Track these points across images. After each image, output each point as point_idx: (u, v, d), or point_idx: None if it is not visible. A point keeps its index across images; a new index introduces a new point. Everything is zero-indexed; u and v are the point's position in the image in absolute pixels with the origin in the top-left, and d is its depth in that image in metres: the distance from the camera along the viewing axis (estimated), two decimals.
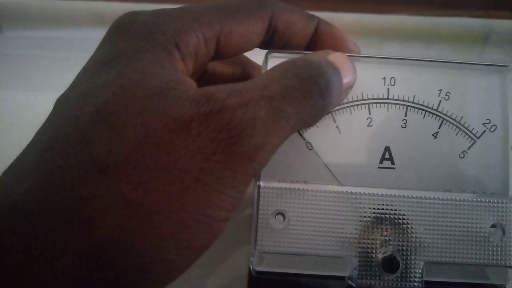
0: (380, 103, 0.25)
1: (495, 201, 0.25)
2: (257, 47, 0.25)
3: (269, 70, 0.22)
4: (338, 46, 0.25)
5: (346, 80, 0.23)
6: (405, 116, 0.25)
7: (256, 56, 0.27)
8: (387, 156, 0.25)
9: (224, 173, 0.19)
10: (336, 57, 0.23)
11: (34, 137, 0.20)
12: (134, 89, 0.19)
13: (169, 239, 0.19)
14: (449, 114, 0.25)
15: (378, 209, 0.25)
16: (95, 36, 0.22)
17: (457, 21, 0.48)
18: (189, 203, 0.19)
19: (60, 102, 0.21)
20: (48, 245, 0.18)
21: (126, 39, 0.21)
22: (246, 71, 0.29)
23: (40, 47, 0.47)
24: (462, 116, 0.25)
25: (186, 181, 0.19)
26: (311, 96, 0.21)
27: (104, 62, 0.21)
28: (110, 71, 0.20)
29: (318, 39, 0.25)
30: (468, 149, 0.25)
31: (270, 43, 0.25)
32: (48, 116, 0.21)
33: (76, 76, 0.21)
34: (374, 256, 0.24)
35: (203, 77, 0.27)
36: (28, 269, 0.17)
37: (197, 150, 0.19)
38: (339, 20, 0.47)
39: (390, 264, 0.24)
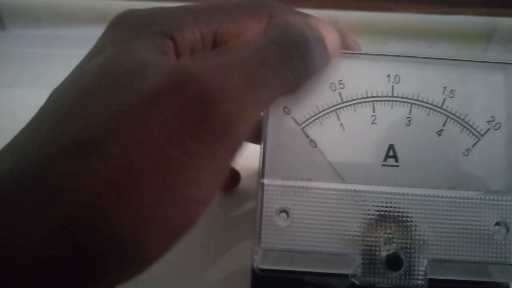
0: (385, 100, 0.25)
1: (499, 199, 0.25)
2: None
3: (246, 36, 0.22)
4: None
5: (329, 44, 0.23)
6: (410, 113, 0.25)
7: None
8: (391, 153, 0.25)
9: (198, 148, 0.18)
10: (317, 21, 0.23)
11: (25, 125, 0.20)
12: (111, 69, 0.19)
13: (141, 217, 0.18)
14: (453, 111, 0.25)
15: (382, 206, 0.25)
16: (99, 34, 0.23)
17: (460, 19, 0.48)
18: (161, 180, 0.18)
19: (53, 91, 0.21)
20: (25, 222, 0.17)
21: (120, 31, 0.21)
22: None
23: (44, 45, 0.47)
24: (467, 114, 0.25)
25: (157, 157, 0.18)
26: (291, 60, 0.21)
27: (94, 52, 0.21)
28: (97, 58, 0.20)
29: None
30: (473, 147, 0.25)
31: None
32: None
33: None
34: (377, 253, 0.24)
35: None
36: (4, 247, 0.17)
37: (168, 123, 0.18)
38: (342, 18, 0.47)
39: (394, 261, 0.24)
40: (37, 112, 0.20)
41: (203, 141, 0.18)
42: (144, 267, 0.20)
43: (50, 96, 0.21)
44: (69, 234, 0.17)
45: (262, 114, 0.22)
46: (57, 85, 0.21)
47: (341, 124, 0.25)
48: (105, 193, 0.17)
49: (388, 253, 0.24)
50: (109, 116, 0.18)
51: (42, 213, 0.17)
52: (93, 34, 0.22)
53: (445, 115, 0.25)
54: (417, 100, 0.25)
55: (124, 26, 0.22)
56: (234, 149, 0.19)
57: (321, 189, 0.25)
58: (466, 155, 0.25)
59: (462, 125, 0.25)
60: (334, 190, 0.25)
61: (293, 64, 0.21)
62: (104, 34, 0.22)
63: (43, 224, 0.17)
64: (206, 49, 0.23)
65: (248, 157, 0.27)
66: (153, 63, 0.19)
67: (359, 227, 0.24)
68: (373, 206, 0.25)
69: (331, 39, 0.23)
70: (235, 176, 0.33)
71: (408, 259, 0.24)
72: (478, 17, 0.48)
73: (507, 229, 0.24)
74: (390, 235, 0.24)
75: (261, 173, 0.25)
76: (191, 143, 0.18)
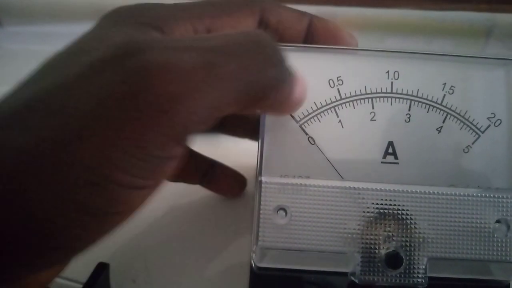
0: (384, 97, 0.25)
1: (500, 196, 0.24)
2: None
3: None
4: (335, 39, 0.25)
5: (298, 88, 0.21)
6: (409, 110, 0.25)
7: None
8: (390, 151, 0.25)
9: (125, 125, 0.16)
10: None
11: None
12: (74, 49, 0.19)
13: (57, 197, 0.16)
14: (453, 108, 0.25)
15: (381, 204, 0.24)
16: None
17: (459, 16, 0.47)
18: (79, 156, 0.16)
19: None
20: None
21: (106, 22, 0.21)
22: None
23: (40, 42, 0.47)
24: (467, 110, 0.25)
25: (75, 129, 0.16)
26: (264, 57, 0.19)
27: (75, 41, 0.20)
28: (73, 43, 0.20)
29: (314, 35, 0.25)
30: (473, 143, 0.25)
31: None
32: None
33: None
34: (377, 252, 0.24)
35: None
36: None
37: (98, 94, 0.16)
38: (341, 14, 0.47)
39: (394, 260, 0.24)
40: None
41: (132, 119, 0.16)
42: (65, 254, 0.18)
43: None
44: None
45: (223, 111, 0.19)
46: None
47: (339, 121, 0.25)
48: (22, 165, 0.16)
49: (387, 251, 0.24)
50: (47, 87, 0.17)
51: None
52: None
53: (445, 111, 0.25)
54: (416, 96, 0.25)
55: (112, 16, 0.21)
56: (175, 138, 0.17)
57: (319, 186, 0.24)
58: (466, 152, 0.25)
59: (462, 121, 0.25)
60: (333, 187, 0.24)
61: (264, 66, 0.19)
62: (93, 25, 0.22)
63: None
64: None
65: (246, 154, 0.27)
66: (116, 39, 0.18)
67: (358, 225, 0.24)
68: (372, 203, 0.24)
69: (301, 87, 0.22)
70: (240, 181, 0.33)
71: (407, 257, 0.24)
72: (477, 13, 0.47)
73: (508, 227, 0.24)
74: (390, 233, 0.24)
75: (259, 171, 0.25)
76: (118, 118, 0.16)
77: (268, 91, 0.20)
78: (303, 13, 0.25)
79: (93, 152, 0.16)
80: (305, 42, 0.25)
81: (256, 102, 0.20)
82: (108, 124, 0.16)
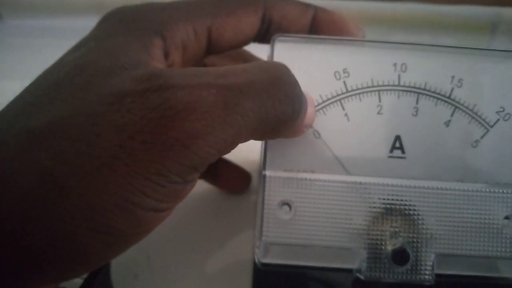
0: (391, 90, 0.24)
1: (509, 192, 0.24)
2: (254, 41, 0.25)
3: (238, 64, 0.21)
4: (340, 31, 0.25)
5: (308, 111, 0.22)
6: (416, 103, 0.24)
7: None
8: (397, 145, 0.24)
9: (149, 156, 0.17)
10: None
11: None
12: (86, 67, 0.19)
13: (81, 218, 0.17)
14: (461, 101, 0.24)
15: (388, 199, 0.24)
16: (95, 25, 0.22)
17: (465, 10, 0.47)
18: (106, 182, 0.17)
19: (33, 80, 0.21)
20: None
21: (107, 26, 0.21)
22: None
23: (41, 36, 0.47)
24: (475, 104, 0.24)
25: (104, 158, 0.17)
26: (280, 95, 0.19)
27: (77, 46, 0.21)
28: (76, 53, 0.20)
29: (319, 27, 0.25)
30: (481, 138, 0.24)
31: (266, 36, 0.24)
32: None
33: None
34: (383, 248, 0.24)
35: None
36: None
37: (123, 126, 0.17)
38: (345, 8, 0.46)
39: (400, 256, 0.23)
40: (12, 99, 0.20)
41: (156, 151, 0.17)
42: (86, 268, 0.19)
43: (26, 87, 0.20)
44: (4, 221, 0.17)
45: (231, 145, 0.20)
46: None
47: (345, 114, 0.24)
48: (47, 186, 0.17)
49: (394, 247, 0.23)
50: (69, 112, 0.18)
51: None
52: (90, 24, 0.23)
53: (453, 105, 0.24)
54: (424, 89, 0.24)
55: (112, 21, 0.21)
56: (193, 167, 0.18)
57: (324, 181, 0.24)
58: (475, 147, 0.24)
59: (470, 115, 0.24)
60: (338, 182, 0.24)
61: (281, 103, 0.19)
62: (93, 29, 0.22)
63: None
64: (200, 45, 0.22)
65: (250, 150, 0.27)
66: (131, 65, 0.19)
67: (364, 220, 0.24)
68: (379, 199, 0.24)
69: (311, 112, 0.22)
70: (244, 177, 0.32)
71: (414, 254, 0.24)
72: (483, 7, 0.47)
73: None
74: (396, 229, 0.24)
75: (263, 165, 0.24)
76: (141, 147, 0.17)
77: (283, 126, 0.20)
78: (307, 6, 0.24)
79: (120, 179, 0.17)
80: (309, 34, 0.25)
81: (269, 135, 0.21)
82: (133, 155, 0.17)
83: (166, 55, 0.21)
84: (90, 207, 0.17)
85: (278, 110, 0.19)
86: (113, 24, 0.21)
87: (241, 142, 0.19)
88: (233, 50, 0.24)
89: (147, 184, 0.18)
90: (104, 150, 0.17)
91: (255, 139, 0.20)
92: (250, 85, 0.19)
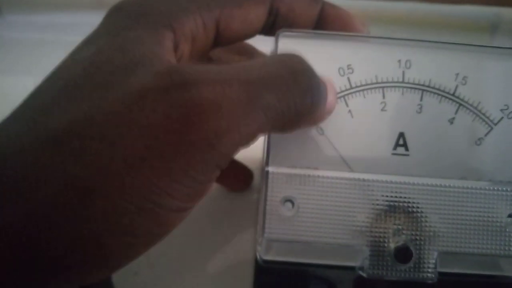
0: (395, 86, 0.24)
1: None
2: (260, 34, 0.24)
3: (255, 58, 0.21)
4: (346, 27, 0.25)
5: (329, 98, 0.22)
6: (421, 100, 0.24)
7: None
8: (401, 142, 0.24)
9: (175, 157, 0.17)
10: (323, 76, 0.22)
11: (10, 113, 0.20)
12: (103, 64, 0.19)
13: (106, 221, 0.17)
14: (466, 99, 0.24)
15: (391, 197, 0.24)
16: (95, 21, 0.22)
17: (466, 10, 0.47)
18: (131, 184, 0.17)
19: (42, 80, 0.20)
20: None
21: (116, 20, 0.21)
22: None
23: (41, 31, 0.47)
24: (480, 102, 0.24)
25: (129, 160, 0.17)
26: (299, 88, 0.19)
27: (87, 42, 0.20)
28: (90, 49, 0.20)
29: (325, 22, 0.25)
30: (485, 135, 0.24)
31: (273, 28, 0.24)
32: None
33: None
34: (386, 245, 0.24)
35: None
36: None
37: (147, 126, 0.17)
38: (347, 7, 0.46)
39: (403, 254, 0.23)
40: (23, 101, 0.20)
41: (182, 151, 0.17)
42: (109, 270, 0.19)
43: (39, 85, 0.20)
44: (28, 227, 0.16)
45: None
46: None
47: (349, 111, 0.24)
48: (71, 190, 0.17)
49: (397, 245, 0.23)
50: (90, 112, 0.17)
51: (3, 203, 0.16)
52: (90, 20, 0.22)
53: (457, 102, 0.24)
54: (428, 86, 0.24)
55: (121, 15, 0.21)
56: (217, 165, 0.18)
57: (327, 178, 0.24)
58: (479, 145, 0.24)
59: (474, 113, 0.24)
60: (342, 179, 0.24)
61: (301, 96, 0.19)
62: (101, 23, 0.21)
63: (2, 214, 0.16)
64: (208, 37, 0.22)
65: (251, 147, 0.26)
66: (147, 61, 0.19)
67: (367, 217, 0.24)
68: (382, 196, 0.24)
69: (332, 99, 0.23)
70: (247, 174, 0.32)
71: (417, 251, 0.23)
72: (483, 7, 0.47)
73: None
74: (399, 226, 0.24)
75: (266, 161, 0.24)
76: (169, 150, 0.17)
77: (304, 116, 0.21)
78: (315, 0, 0.24)
79: (145, 181, 0.17)
80: (315, 29, 0.24)
81: (288, 127, 0.21)
82: (159, 156, 0.17)
83: (176, 47, 0.21)
84: (115, 210, 0.17)
85: (298, 102, 0.19)
86: (122, 18, 0.21)
87: (262, 136, 0.19)
88: (237, 44, 0.24)
89: (172, 185, 0.17)
90: (129, 152, 0.17)
91: (274, 132, 0.20)
92: (271, 78, 0.19)
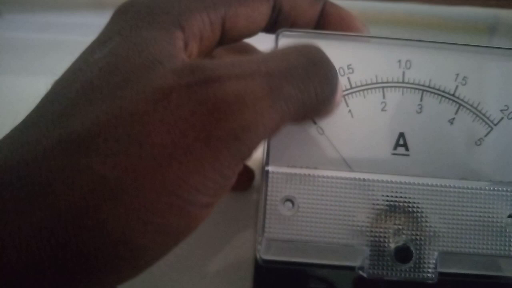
0: (395, 86, 0.24)
1: None
2: (262, 31, 0.24)
3: (274, 49, 0.21)
4: (346, 27, 0.25)
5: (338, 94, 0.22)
6: (421, 100, 0.24)
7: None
8: (401, 142, 0.24)
9: (204, 153, 0.17)
10: None
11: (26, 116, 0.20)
12: (119, 64, 0.19)
13: (137, 219, 0.17)
14: (466, 99, 0.24)
15: (391, 197, 0.24)
16: (94, 21, 0.22)
17: (463, 12, 0.47)
18: (161, 182, 0.17)
19: (55, 83, 0.20)
20: (14, 216, 0.16)
21: (126, 19, 0.21)
22: None
23: (40, 31, 0.47)
24: (480, 102, 0.24)
25: (158, 158, 0.17)
26: (319, 78, 0.20)
27: (99, 43, 0.20)
28: (103, 50, 0.20)
29: (325, 21, 0.25)
30: (485, 136, 0.24)
31: (275, 26, 0.24)
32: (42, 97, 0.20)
33: (75, 59, 0.21)
34: (386, 245, 0.24)
35: None
36: None
37: (174, 123, 0.17)
38: (347, 8, 0.46)
39: (403, 254, 0.23)
40: (38, 104, 0.20)
41: (210, 146, 0.17)
42: (140, 269, 0.19)
43: (52, 88, 0.20)
44: (58, 231, 0.16)
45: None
46: (52, 72, 0.21)
47: (349, 111, 0.24)
48: (100, 191, 0.17)
49: (397, 245, 0.23)
50: (113, 112, 0.17)
51: (32, 208, 0.16)
52: (89, 20, 0.22)
53: (457, 103, 0.24)
54: (428, 86, 0.24)
55: (130, 14, 0.21)
56: (242, 158, 0.18)
57: (328, 177, 0.24)
58: (479, 145, 0.24)
59: (474, 113, 0.24)
60: (342, 178, 0.24)
61: (322, 86, 0.20)
62: (110, 24, 0.21)
63: (32, 220, 0.16)
64: (215, 35, 0.22)
65: None
66: (164, 59, 0.19)
67: (367, 217, 0.24)
68: (382, 196, 0.24)
69: (340, 90, 0.23)
70: (249, 174, 0.32)
71: (418, 251, 0.23)
72: (481, 8, 0.47)
73: None
74: (400, 226, 0.24)
75: (266, 160, 0.24)
76: (197, 146, 0.17)
77: (322, 106, 0.21)
78: None
79: (174, 178, 0.17)
80: (316, 28, 0.24)
81: (308, 117, 0.22)
82: (187, 153, 0.17)
83: (185, 46, 0.21)
84: (145, 209, 0.17)
85: (319, 92, 0.20)
86: (132, 17, 0.20)
87: (284, 127, 0.20)
88: (237, 43, 0.24)
89: (201, 181, 0.17)
90: (157, 150, 0.17)
91: (294, 123, 0.21)
92: (291, 69, 0.19)
